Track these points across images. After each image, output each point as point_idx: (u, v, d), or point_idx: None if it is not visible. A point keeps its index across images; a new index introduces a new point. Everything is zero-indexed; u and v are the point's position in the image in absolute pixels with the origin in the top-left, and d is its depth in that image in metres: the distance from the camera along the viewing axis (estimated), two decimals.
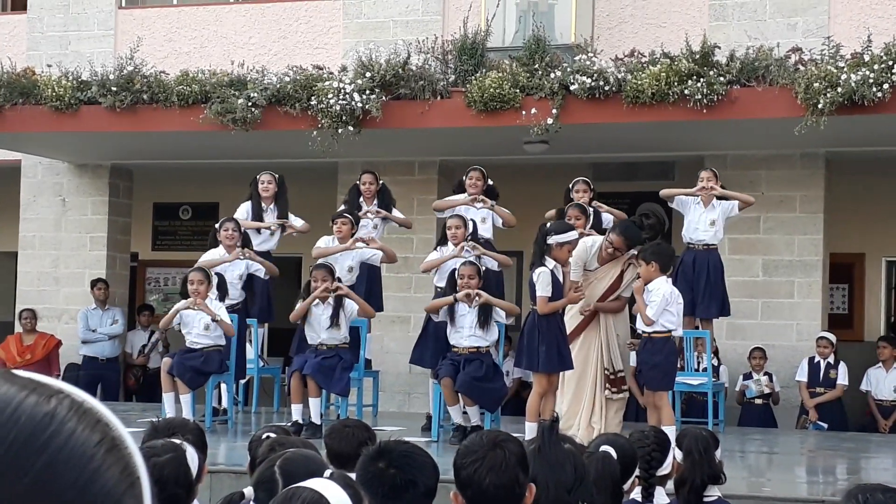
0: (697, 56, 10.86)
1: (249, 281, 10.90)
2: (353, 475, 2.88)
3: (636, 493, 4.65)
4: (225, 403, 10.82)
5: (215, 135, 12.27)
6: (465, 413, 9.65)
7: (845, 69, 10.33)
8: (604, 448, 4.17)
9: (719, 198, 10.65)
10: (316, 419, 9.70)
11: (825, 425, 11.86)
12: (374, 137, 11.97)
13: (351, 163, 13.13)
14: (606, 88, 10.96)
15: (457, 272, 9.62)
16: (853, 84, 10.17)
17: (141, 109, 12.34)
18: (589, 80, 10.95)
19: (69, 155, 14.57)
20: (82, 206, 14.72)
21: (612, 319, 9.26)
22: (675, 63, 10.84)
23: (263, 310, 11.24)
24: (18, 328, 14.14)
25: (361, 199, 11.28)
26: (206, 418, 10.03)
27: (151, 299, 16.49)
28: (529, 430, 8.37)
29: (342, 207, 11.33)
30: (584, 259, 9.13)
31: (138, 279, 16.69)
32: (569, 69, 11.16)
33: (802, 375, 12.02)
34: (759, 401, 12.09)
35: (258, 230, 11.22)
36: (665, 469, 4.71)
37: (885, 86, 10.19)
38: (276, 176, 11.41)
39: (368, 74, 11.57)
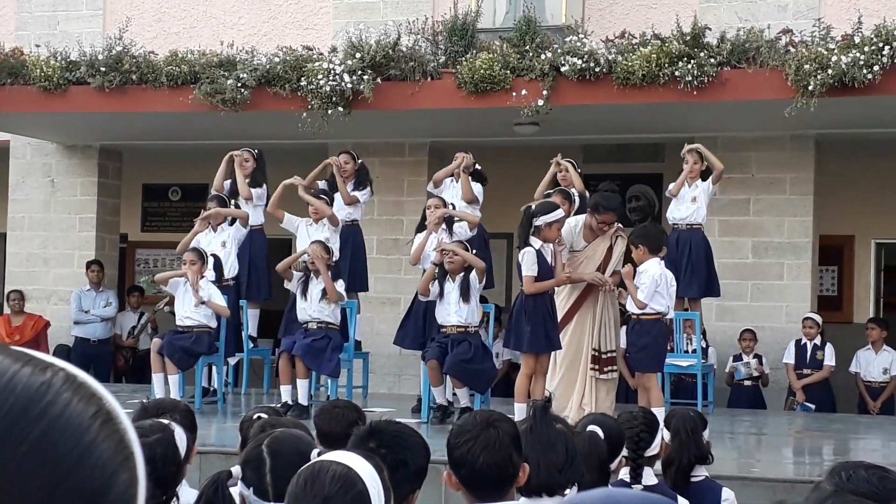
0: (688, 37, 10.84)
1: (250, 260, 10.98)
2: None
3: (624, 474, 4.66)
4: (215, 384, 10.82)
5: (205, 116, 12.23)
6: (454, 395, 9.67)
7: (836, 51, 10.34)
8: (591, 428, 4.18)
9: (703, 177, 10.70)
10: (303, 400, 9.71)
11: (812, 406, 11.90)
12: (364, 118, 11.94)
13: (341, 144, 13.10)
14: (597, 70, 10.95)
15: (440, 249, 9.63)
16: (843, 66, 10.17)
17: (130, 90, 12.29)
18: (579, 62, 10.93)
19: (58, 136, 14.52)
20: (71, 187, 14.68)
21: (609, 299, 9.27)
22: (666, 44, 10.83)
23: (253, 287, 11.24)
24: (6, 309, 14.11)
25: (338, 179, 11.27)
26: (195, 399, 10.03)
27: (141, 280, 16.46)
28: (519, 411, 8.38)
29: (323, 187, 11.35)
30: (569, 241, 9.14)
31: (128, 260, 16.66)
32: (559, 50, 11.14)
33: (789, 357, 12.05)
34: (748, 382, 12.13)
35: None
36: (653, 450, 4.72)
37: (876, 67, 10.19)
38: (255, 152, 11.42)
39: (358, 55, 11.54)
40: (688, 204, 10.72)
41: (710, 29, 10.97)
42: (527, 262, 8.57)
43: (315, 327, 9.87)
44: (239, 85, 11.77)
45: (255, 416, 4.56)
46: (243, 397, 11.54)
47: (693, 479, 4.87)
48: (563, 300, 9.13)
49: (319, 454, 2.56)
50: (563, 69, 11.01)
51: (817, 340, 12.02)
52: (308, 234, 10.59)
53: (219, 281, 10.23)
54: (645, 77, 10.76)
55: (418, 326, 10.00)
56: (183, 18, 13.99)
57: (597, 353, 9.20)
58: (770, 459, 8.64)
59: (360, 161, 11.43)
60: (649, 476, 4.67)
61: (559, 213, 8.76)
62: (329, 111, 11.45)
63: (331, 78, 11.41)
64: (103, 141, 14.58)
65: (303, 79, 11.57)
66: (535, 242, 8.62)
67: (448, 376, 9.41)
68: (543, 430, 3.11)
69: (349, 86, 11.38)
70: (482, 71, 11.15)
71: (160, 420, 3.77)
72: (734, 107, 11.23)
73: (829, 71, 10.21)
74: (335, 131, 11.93)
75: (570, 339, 9.02)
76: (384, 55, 11.56)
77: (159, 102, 12.25)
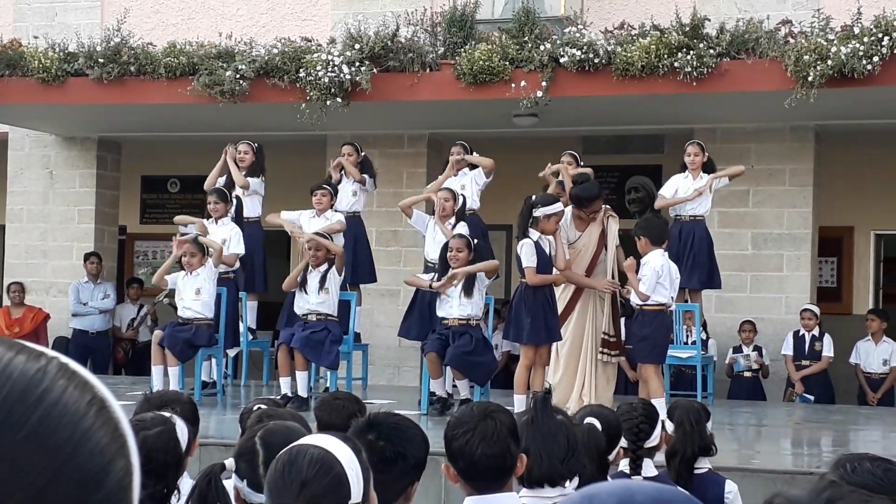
0: (687, 28, 10.82)
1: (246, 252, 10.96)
2: None
3: (624, 465, 4.66)
4: (214, 376, 10.82)
5: (203, 107, 12.21)
6: (454, 387, 9.67)
7: (835, 42, 10.32)
8: (588, 420, 4.17)
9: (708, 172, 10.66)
10: (302, 392, 9.70)
11: (811, 398, 11.91)
12: (363, 110, 11.92)
13: (339, 135, 13.08)
14: (596, 61, 10.93)
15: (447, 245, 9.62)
16: (843, 57, 10.15)
17: (128, 81, 12.27)
18: (579, 53, 10.91)
19: (56, 127, 14.50)
20: (70, 179, 14.66)
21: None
22: (665, 35, 10.80)
23: (250, 280, 11.24)
24: (6, 301, 14.10)
25: (343, 171, 11.29)
26: (195, 391, 10.02)
27: (140, 273, 16.44)
28: (518, 403, 8.38)
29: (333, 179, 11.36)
30: (563, 235, 9.14)
31: (126, 252, 16.65)
32: (558, 42, 11.12)
33: (788, 349, 12.06)
34: (747, 374, 12.13)
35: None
36: (653, 441, 4.72)
37: (875, 58, 10.17)
38: (254, 145, 11.41)
39: (357, 46, 11.51)
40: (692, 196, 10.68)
41: (709, 20, 10.95)
42: (525, 253, 8.57)
43: (314, 319, 9.86)
44: (237, 76, 11.75)
45: (255, 408, 4.55)
46: (243, 389, 11.54)
47: (696, 471, 4.86)
48: (562, 291, 9.13)
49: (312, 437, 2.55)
50: (562, 60, 10.99)
51: (815, 332, 12.03)
52: (309, 226, 10.59)
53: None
54: (644, 68, 10.74)
55: (423, 317, 9.99)
56: (181, 10, 13.96)
57: (606, 337, 9.24)
58: (770, 451, 8.64)
59: (363, 153, 11.43)
60: (649, 467, 4.67)
61: (558, 205, 8.77)
62: (328, 102, 11.43)
63: (329, 69, 11.39)
64: (102, 133, 14.56)
65: (301, 70, 11.55)
66: (533, 234, 8.63)
67: (448, 368, 9.41)
68: (544, 421, 3.11)
69: (348, 77, 11.36)
70: (481, 62, 11.13)
71: (162, 413, 3.76)
72: (733, 98, 11.22)
73: (829, 62, 10.19)
74: (334, 123, 11.92)
75: (573, 329, 9.02)
76: (383, 46, 11.53)
77: (158, 94, 12.22)
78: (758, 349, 12.15)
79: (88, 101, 12.59)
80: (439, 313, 9.50)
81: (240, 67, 11.76)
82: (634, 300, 8.93)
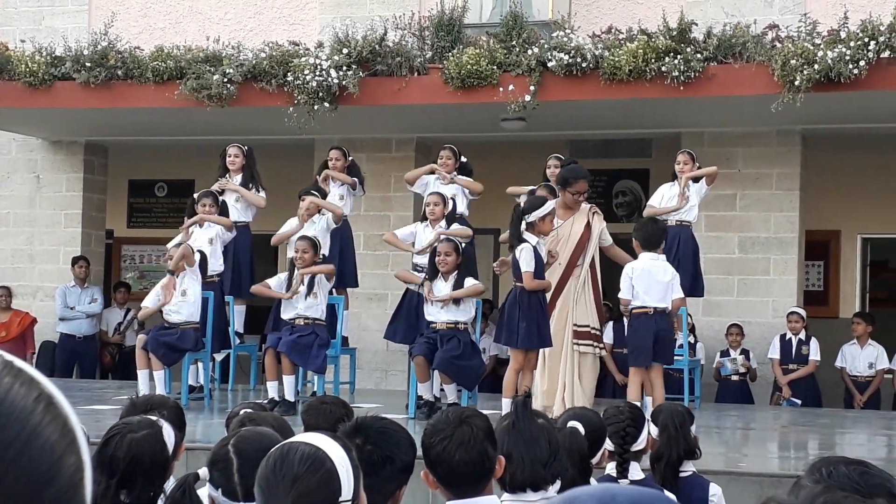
0: (674, 33, 10.85)
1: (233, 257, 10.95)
2: None
3: (611, 468, 4.66)
4: (201, 381, 10.80)
5: (191, 111, 12.20)
6: (442, 390, 9.67)
7: (822, 46, 10.35)
8: (571, 423, 4.18)
9: (695, 180, 10.67)
10: (290, 396, 9.69)
11: (798, 401, 11.93)
12: (351, 114, 11.92)
13: (327, 139, 13.08)
14: (584, 65, 10.95)
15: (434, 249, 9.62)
16: (830, 61, 10.19)
17: (116, 85, 12.25)
18: (566, 57, 10.93)
19: (43, 131, 14.47)
20: (57, 183, 14.63)
21: (587, 280, 9.36)
22: (653, 40, 10.83)
23: (237, 284, 11.21)
24: None
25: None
26: (182, 395, 10.00)
27: (127, 277, 16.41)
28: (506, 406, 8.39)
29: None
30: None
31: (114, 256, 16.61)
32: (546, 46, 11.13)
33: (775, 353, 12.08)
34: (735, 377, 12.15)
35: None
36: (640, 444, 4.72)
37: (862, 63, 10.21)
38: (244, 148, 11.40)
39: (345, 51, 11.52)
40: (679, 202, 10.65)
41: (696, 24, 10.98)
42: (524, 258, 8.57)
43: (302, 323, 9.85)
44: (225, 80, 11.74)
45: (241, 412, 4.54)
46: (230, 393, 11.51)
47: (681, 474, 4.88)
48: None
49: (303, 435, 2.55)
50: (549, 64, 11.01)
51: (802, 335, 12.05)
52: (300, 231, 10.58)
53: (203, 276, 10.19)
54: (632, 72, 10.77)
55: (410, 320, 10.00)
56: (169, 14, 13.95)
57: (589, 329, 9.29)
58: (756, 454, 8.66)
59: (350, 158, 11.42)
60: (636, 471, 4.67)
61: (549, 205, 8.79)
62: (315, 107, 11.43)
63: (317, 73, 11.39)
64: (89, 137, 14.54)
65: (289, 74, 11.55)
66: (532, 238, 8.61)
67: (436, 371, 9.41)
68: (526, 425, 3.11)
69: (335, 81, 11.36)
70: (469, 66, 11.14)
71: (149, 416, 3.75)
72: (721, 102, 11.24)
73: (816, 66, 10.22)
74: (321, 127, 11.91)
75: (554, 327, 9.04)
76: (371, 50, 11.54)
77: (145, 98, 12.21)
78: (745, 353, 12.17)
79: (76, 105, 12.57)
80: (427, 317, 9.51)
81: (227, 71, 11.75)
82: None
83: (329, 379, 10.48)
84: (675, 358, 10.65)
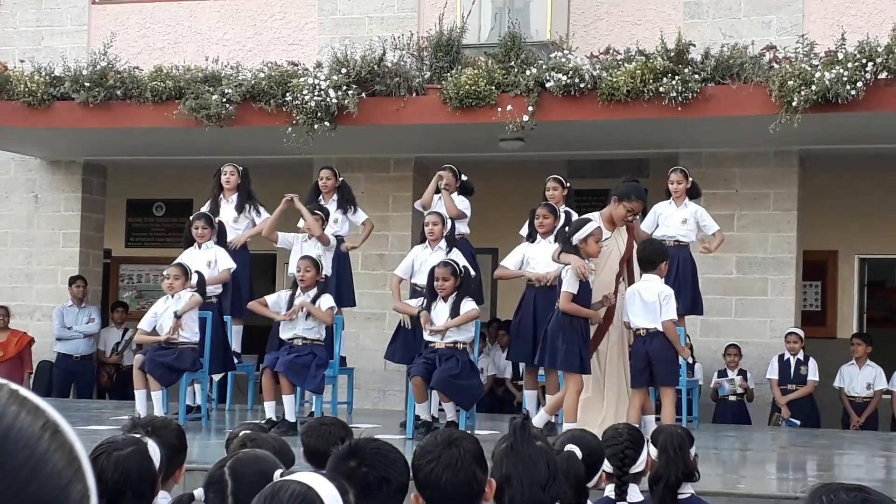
0: (672, 54, 10.88)
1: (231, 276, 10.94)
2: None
3: (609, 491, 4.65)
4: (199, 401, 10.77)
5: (189, 131, 12.22)
6: (441, 410, 9.65)
7: (819, 67, 10.38)
8: (569, 447, 4.16)
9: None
10: (290, 417, 9.66)
11: (797, 422, 11.91)
12: (350, 134, 11.94)
13: (326, 159, 13.09)
14: (582, 86, 10.97)
15: (432, 271, 9.58)
16: (827, 82, 10.21)
17: (114, 105, 12.27)
18: (564, 78, 10.95)
19: (42, 151, 14.48)
20: (55, 203, 14.64)
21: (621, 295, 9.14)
22: (651, 61, 10.86)
23: (235, 304, 11.19)
24: None
25: (321, 196, 11.24)
26: (179, 415, 9.98)
27: (125, 296, 16.41)
28: (539, 418, 8.30)
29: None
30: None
31: (112, 276, 16.61)
32: (544, 66, 11.16)
33: (773, 373, 12.07)
34: (732, 398, 12.14)
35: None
36: (639, 466, 4.71)
37: (859, 84, 10.23)
38: (240, 168, 11.37)
39: (344, 71, 11.54)
40: (677, 225, 10.57)
41: (694, 45, 11.01)
42: (569, 279, 8.35)
43: (300, 344, 9.84)
44: (224, 100, 11.76)
45: (241, 433, 4.54)
46: (227, 413, 11.50)
47: (680, 497, 4.86)
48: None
49: (282, 475, 2.55)
50: (547, 85, 11.03)
51: (800, 355, 12.04)
52: (302, 250, 10.56)
53: (203, 297, 10.17)
54: (629, 93, 10.79)
55: (408, 341, 9.97)
56: (168, 34, 13.98)
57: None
58: (755, 475, 8.64)
59: (341, 178, 11.35)
60: (635, 493, 4.66)
61: (592, 225, 8.56)
62: (314, 126, 11.45)
63: (316, 93, 11.41)
64: (87, 156, 14.55)
65: (288, 94, 11.57)
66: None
67: (435, 391, 9.39)
68: (524, 447, 3.10)
69: (334, 101, 11.38)
70: (467, 86, 11.16)
71: (133, 434, 3.74)
72: (718, 123, 11.26)
73: (813, 87, 10.25)
74: (320, 146, 11.93)
75: (613, 352, 8.85)
76: (369, 71, 11.57)
77: (144, 118, 12.23)
78: (742, 373, 12.16)
79: (74, 124, 12.59)
80: (426, 337, 9.49)
81: (226, 91, 11.78)
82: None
83: (327, 399, 10.46)
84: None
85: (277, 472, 2.73)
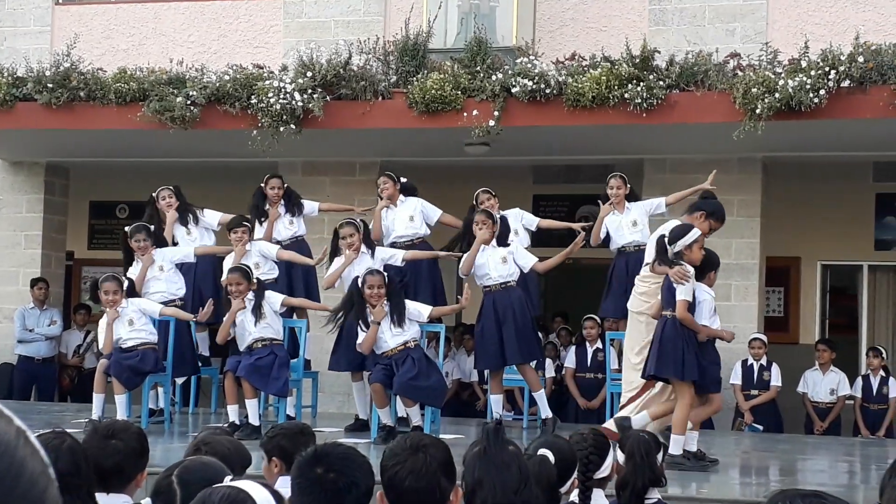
0: (637, 60, 10.93)
1: (194, 282, 10.90)
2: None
3: (574, 496, 4.65)
4: (162, 404, 10.71)
5: (153, 133, 12.14)
6: (406, 416, 9.63)
7: (783, 75, 10.46)
8: (541, 451, 4.17)
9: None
10: (254, 420, 9.62)
11: (761, 427, 11.98)
12: (315, 137, 11.91)
13: (291, 162, 13.07)
14: (547, 91, 11.00)
15: (360, 280, 9.56)
16: (790, 90, 10.29)
17: (78, 107, 12.18)
18: (530, 83, 10.98)
19: (4, 152, 14.35)
20: (17, 204, 14.50)
21: None
22: (616, 67, 10.90)
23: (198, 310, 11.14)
24: None
25: (267, 204, 11.24)
26: (142, 419, 9.92)
27: (87, 299, 16.28)
28: (676, 443, 8.14)
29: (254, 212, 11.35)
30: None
31: (74, 278, 16.48)
32: (510, 71, 11.18)
33: (736, 378, 12.13)
34: None
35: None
36: (603, 472, 4.71)
37: (822, 91, 10.31)
38: (173, 188, 11.37)
39: (309, 74, 11.51)
40: (629, 229, 10.55)
41: (658, 52, 11.06)
42: (681, 287, 8.14)
43: (260, 346, 9.79)
44: (188, 103, 11.70)
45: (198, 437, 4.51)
46: (191, 417, 11.43)
47: (646, 502, 4.88)
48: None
49: (231, 481, 2.55)
50: (513, 90, 11.05)
51: (763, 361, 12.12)
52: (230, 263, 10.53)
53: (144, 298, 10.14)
54: (595, 99, 10.83)
55: (351, 347, 9.93)
56: (132, 35, 13.90)
57: None
58: (718, 480, 8.67)
59: (285, 185, 11.37)
60: (599, 498, 4.66)
61: (695, 232, 8.39)
62: (280, 129, 11.41)
63: (281, 96, 11.38)
64: (50, 158, 14.43)
65: (253, 97, 11.53)
66: (688, 268, 8.24)
67: (398, 396, 9.38)
68: (497, 452, 3.10)
69: (300, 104, 11.35)
70: (433, 91, 11.17)
71: (56, 429, 3.69)
72: (683, 129, 11.32)
73: (777, 95, 10.32)
74: (286, 150, 11.89)
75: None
76: (335, 74, 11.55)
77: (107, 120, 12.14)
78: None
79: (37, 126, 12.49)
80: (377, 351, 9.48)
81: (191, 94, 11.72)
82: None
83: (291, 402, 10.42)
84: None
85: (227, 479, 2.71)
